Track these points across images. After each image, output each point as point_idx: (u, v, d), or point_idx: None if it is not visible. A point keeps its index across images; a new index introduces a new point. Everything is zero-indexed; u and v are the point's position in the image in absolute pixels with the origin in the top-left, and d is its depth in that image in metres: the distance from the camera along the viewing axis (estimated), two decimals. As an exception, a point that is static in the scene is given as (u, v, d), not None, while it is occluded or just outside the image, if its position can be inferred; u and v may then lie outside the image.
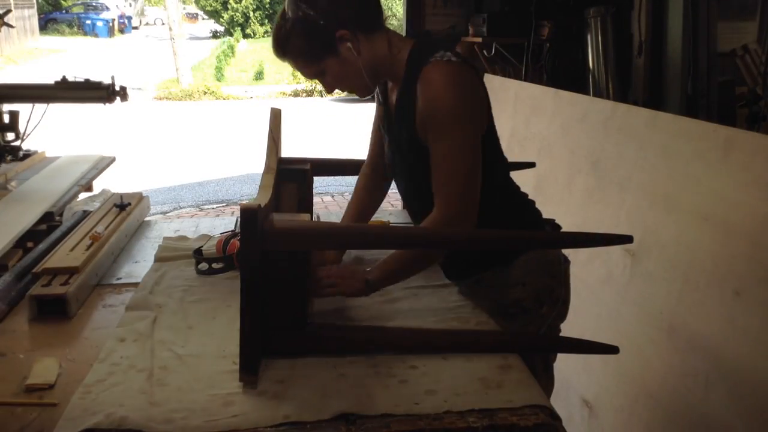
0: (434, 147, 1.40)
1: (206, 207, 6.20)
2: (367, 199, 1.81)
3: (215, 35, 24.82)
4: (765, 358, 1.60)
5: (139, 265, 1.79)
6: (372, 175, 1.79)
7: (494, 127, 1.54)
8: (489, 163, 1.46)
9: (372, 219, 2.04)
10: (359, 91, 1.51)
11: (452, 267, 1.63)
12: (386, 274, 1.42)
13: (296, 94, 14.03)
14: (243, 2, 23.34)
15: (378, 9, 1.46)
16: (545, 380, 1.58)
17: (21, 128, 2.61)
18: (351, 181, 6.57)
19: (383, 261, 1.43)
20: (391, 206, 5.75)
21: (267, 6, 23.97)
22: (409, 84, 1.43)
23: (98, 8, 27.31)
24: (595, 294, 2.26)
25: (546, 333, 1.58)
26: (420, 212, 1.55)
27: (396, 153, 1.58)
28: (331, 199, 6.34)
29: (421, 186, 1.49)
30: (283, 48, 1.41)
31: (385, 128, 1.62)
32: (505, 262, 1.57)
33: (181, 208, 6.18)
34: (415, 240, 1.42)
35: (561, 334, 1.62)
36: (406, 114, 1.45)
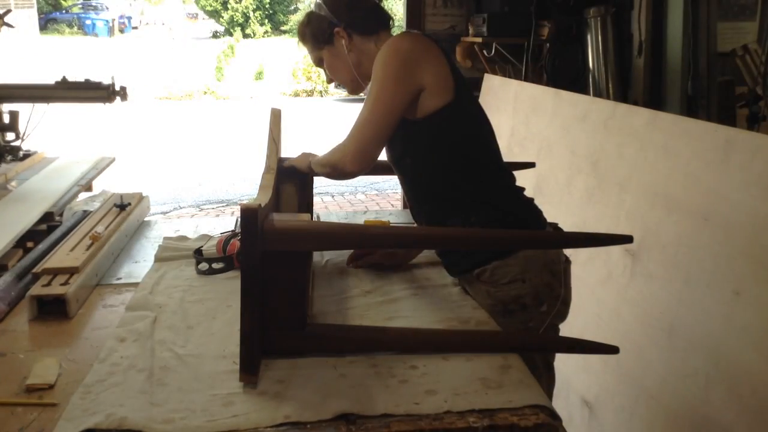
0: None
1: (206, 207, 6.20)
2: None
3: (215, 35, 24.81)
4: (765, 358, 1.60)
5: (139, 265, 1.79)
6: None
7: (472, 107, 1.60)
8: (466, 149, 1.55)
9: (372, 219, 2.05)
10: (348, 86, 1.70)
11: (451, 261, 1.64)
12: (316, 163, 1.66)
13: (296, 94, 14.03)
14: (243, 2, 23.35)
15: (375, 15, 1.64)
16: (547, 378, 1.58)
17: (21, 128, 2.61)
18: (351, 181, 6.51)
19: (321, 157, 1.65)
20: (391, 206, 5.77)
21: (267, 6, 23.97)
22: None
23: (98, 8, 27.27)
24: (595, 294, 2.26)
25: (546, 332, 1.58)
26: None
27: None
28: (331, 199, 6.34)
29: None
30: (302, 33, 1.69)
31: None
32: (502, 255, 1.56)
33: (181, 208, 6.18)
34: (415, 240, 1.43)
35: (561, 334, 1.62)
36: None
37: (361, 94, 1.68)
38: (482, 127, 1.61)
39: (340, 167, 1.53)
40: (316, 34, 1.64)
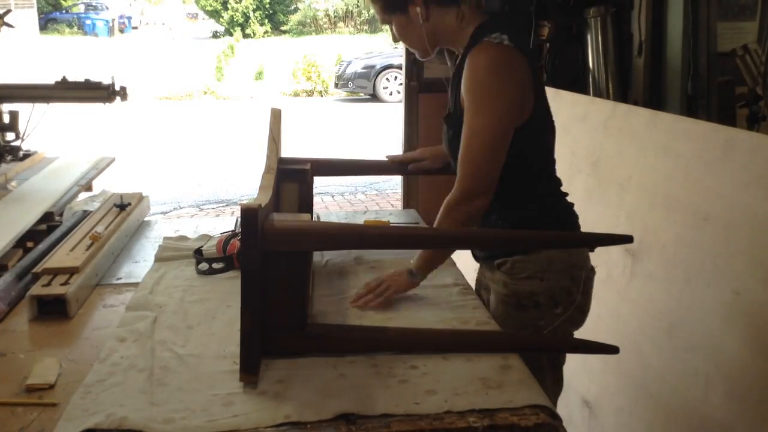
0: (465, 123, 1.46)
1: (206, 207, 6.20)
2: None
3: (215, 35, 24.81)
4: (765, 358, 1.60)
5: (139, 265, 1.79)
6: None
7: (545, 120, 1.57)
8: (524, 155, 1.51)
9: (372, 219, 2.05)
10: (418, 52, 1.60)
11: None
12: (426, 262, 1.51)
13: (296, 94, 14.03)
14: (243, 2, 23.33)
15: None
16: (552, 381, 1.58)
17: (21, 128, 2.61)
18: (351, 181, 6.55)
19: (420, 251, 1.52)
20: (391, 206, 5.77)
21: (267, 6, 23.96)
22: (464, 60, 1.49)
23: (98, 8, 27.28)
24: (595, 294, 2.25)
25: (554, 334, 1.57)
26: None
27: (445, 122, 1.64)
28: (331, 199, 6.34)
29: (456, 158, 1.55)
30: None
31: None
32: (526, 251, 1.57)
33: (181, 208, 6.18)
34: (414, 240, 1.43)
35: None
36: (457, 87, 1.51)
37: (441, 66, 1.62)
38: (548, 135, 1.61)
39: (471, 210, 1.46)
40: (388, 1, 1.52)
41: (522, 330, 1.56)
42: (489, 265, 1.64)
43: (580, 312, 1.61)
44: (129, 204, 2.08)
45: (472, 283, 1.71)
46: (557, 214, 1.62)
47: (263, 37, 23.42)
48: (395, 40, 1.62)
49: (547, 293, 1.55)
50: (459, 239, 1.47)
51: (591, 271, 1.63)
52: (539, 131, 1.56)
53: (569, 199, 1.67)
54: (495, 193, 1.49)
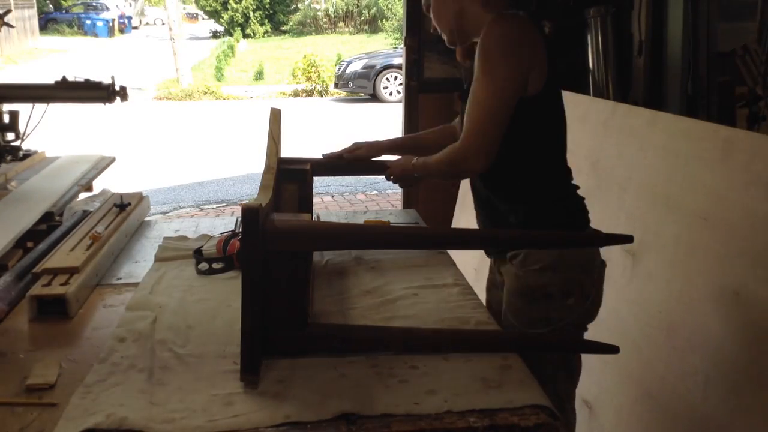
0: (473, 84, 1.49)
1: (206, 207, 6.20)
2: (431, 136, 1.91)
3: (215, 35, 24.80)
4: (765, 358, 1.60)
5: (139, 265, 1.79)
6: (448, 132, 1.87)
7: (555, 101, 1.57)
8: (533, 132, 1.53)
9: (372, 219, 2.05)
10: (446, 36, 1.64)
11: None
12: (426, 164, 1.63)
13: (296, 94, 14.03)
14: (243, 2, 23.32)
15: None
16: (565, 378, 1.58)
17: (21, 128, 2.61)
18: (351, 180, 6.53)
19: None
20: (391, 206, 5.77)
21: (267, 6, 23.96)
22: None
23: (98, 8, 27.31)
24: (595, 294, 2.26)
25: (570, 328, 1.57)
26: None
27: (460, 99, 1.67)
28: (331, 199, 6.34)
29: None
30: None
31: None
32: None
33: (181, 208, 6.18)
34: (414, 240, 1.43)
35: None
36: (473, 65, 1.54)
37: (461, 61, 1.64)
38: (557, 120, 1.60)
39: (466, 167, 1.50)
40: None
41: (533, 323, 1.55)
42: (502, 258, 1.64)
43: (593, 305, 1.60)
44: (129, 204, 2.08)
45: (472, 283, 1.72)
46: (570, 210, 1.62)
47: (263, 37, 23.42)
48: (433, 28, 1.67)
49: (559, 284, 1.55)
50: (459, 239, 1.47)
51: (602, 265, 1.63)
52: (548, 109, 1.55)
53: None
54: (507, 185, 1.54)
